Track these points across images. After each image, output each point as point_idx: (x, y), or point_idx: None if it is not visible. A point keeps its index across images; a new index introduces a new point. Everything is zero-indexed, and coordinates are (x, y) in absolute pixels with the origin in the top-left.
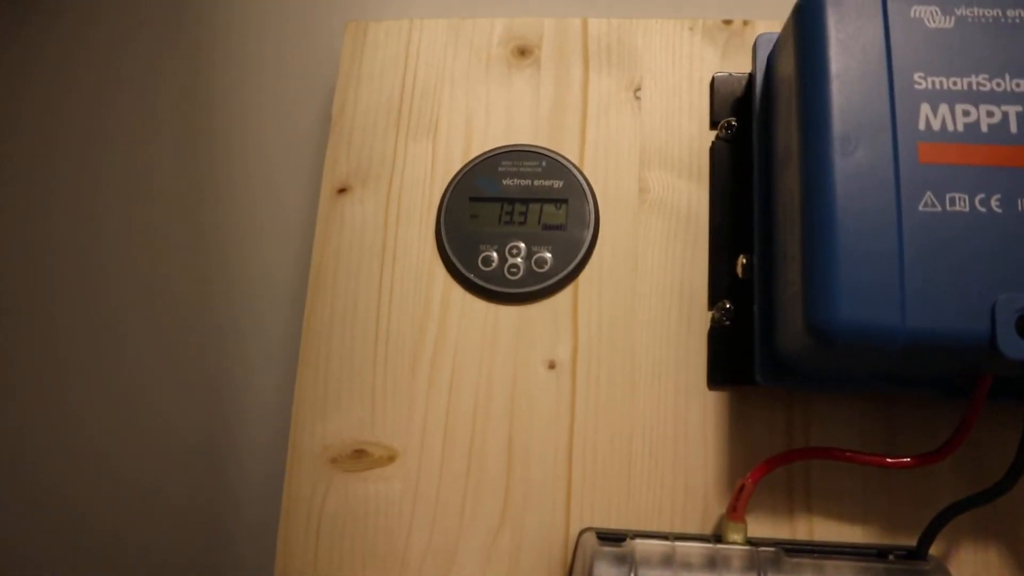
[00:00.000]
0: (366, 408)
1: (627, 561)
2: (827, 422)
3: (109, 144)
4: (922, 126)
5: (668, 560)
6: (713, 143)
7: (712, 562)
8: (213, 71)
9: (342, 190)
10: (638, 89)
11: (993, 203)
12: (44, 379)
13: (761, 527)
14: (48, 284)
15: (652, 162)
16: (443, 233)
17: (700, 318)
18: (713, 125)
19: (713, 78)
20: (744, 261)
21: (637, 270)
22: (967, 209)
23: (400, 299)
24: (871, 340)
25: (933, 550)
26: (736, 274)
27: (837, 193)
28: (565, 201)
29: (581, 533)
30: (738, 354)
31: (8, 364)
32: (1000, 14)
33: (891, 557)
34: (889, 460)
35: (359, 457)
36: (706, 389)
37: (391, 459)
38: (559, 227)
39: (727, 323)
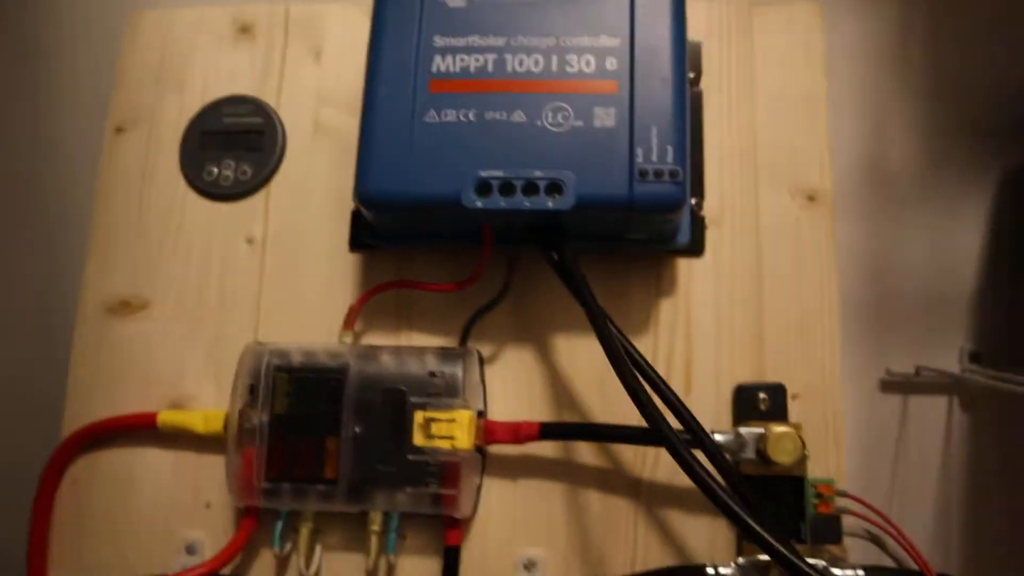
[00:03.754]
0: (128, 271)
1: (265, 354)
2: (425, 268)
3: None
4: (434, 69)
5: (299, 352)
6: None
7: (327, 353)
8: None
9: (119, 129)
10: (319, 53)
11: (471, 115)
12: None
13: (376, 339)
14: None
15: (326, 102)
16: (182, 157)
17: (349, 205)
18: None
19: None
20: None
21: (311, 178)
22: (455, 120)
23: (156, 202)
24: (391, 201)
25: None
26: None
27: (376, 109)
28: (263, 132)
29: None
30: (367, 226)
31: None
32: None
33: (446, 348)
34: (436, 286)
35: (125, 307)
36: (347, 252)
37: (145, 307)
38: (258, 149)
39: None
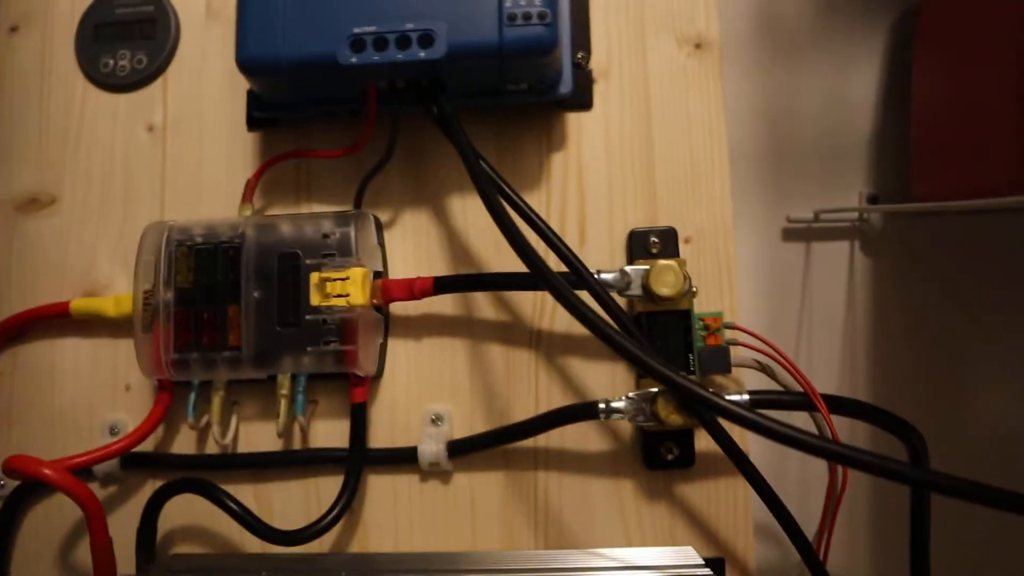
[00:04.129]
0: (34, 168)
1: (165, 230)
2: (323, 142)
3: None
4: None
5: (199, 227)
6: None
7: (226, 225)
8: None
9: (13, 29)
10: None
11: None
12: None
13: (277, 210)
14: None
15: None
16: (78, 51)
17: (245, 86)
18: None
19: None
20: None
21: (206, 62)
22: None
23: (56, 98)
24: (270, 65)
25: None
26: None
27: None
28: (155, 20)
29: None
30: (259, 100)
31: None
32: None
33: (340, 212)
34: (324, 153)
35: (32, 203)
36: (246, 132)
37: (53, 202)
38: (152, 37)
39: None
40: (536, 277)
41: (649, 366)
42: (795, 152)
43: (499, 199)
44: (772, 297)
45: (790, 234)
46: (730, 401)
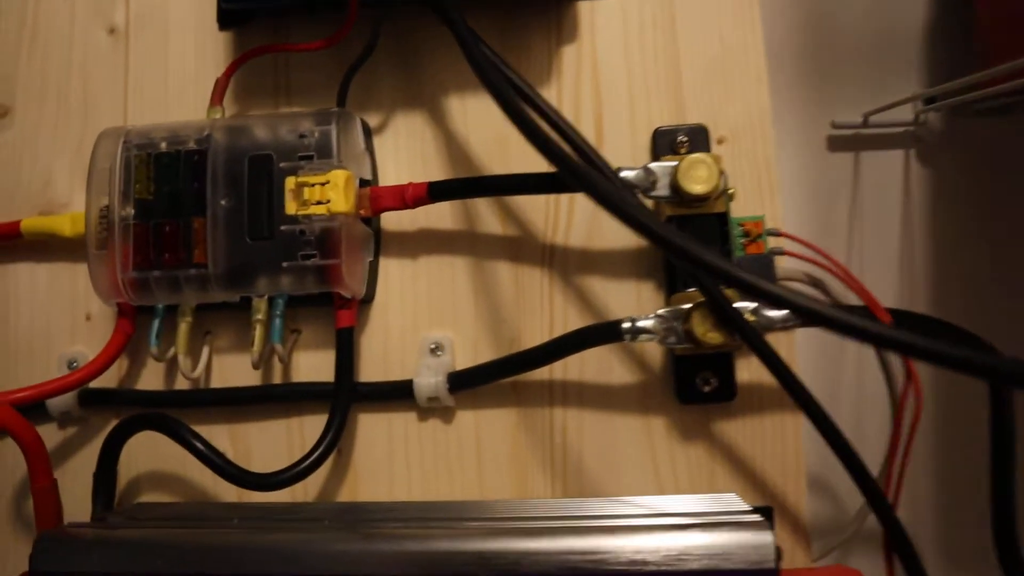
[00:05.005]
0: None
1: (122, 135)
2: (302, 37)
3: None
4: None
5: (160, 131)
6: None
7: (191, 128)
8: None
9: None
10: None
11: None
12: None
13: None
14: None
15: None
16: None
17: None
18: None
19: None
20: None
21: None
22: None
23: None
24: None
25: None
26: None
27: None
28: None
29: None
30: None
31: None
32: None
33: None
34: (302, 46)
35: None
36: (217, 31)
37: (6, 113)
38: None
39: None
40: (561, 172)
41: (694, 256)
42: (839, 51)
43: (503, 81)
44: (818, 212)
45: (835, 143)
46: (800, 295)
